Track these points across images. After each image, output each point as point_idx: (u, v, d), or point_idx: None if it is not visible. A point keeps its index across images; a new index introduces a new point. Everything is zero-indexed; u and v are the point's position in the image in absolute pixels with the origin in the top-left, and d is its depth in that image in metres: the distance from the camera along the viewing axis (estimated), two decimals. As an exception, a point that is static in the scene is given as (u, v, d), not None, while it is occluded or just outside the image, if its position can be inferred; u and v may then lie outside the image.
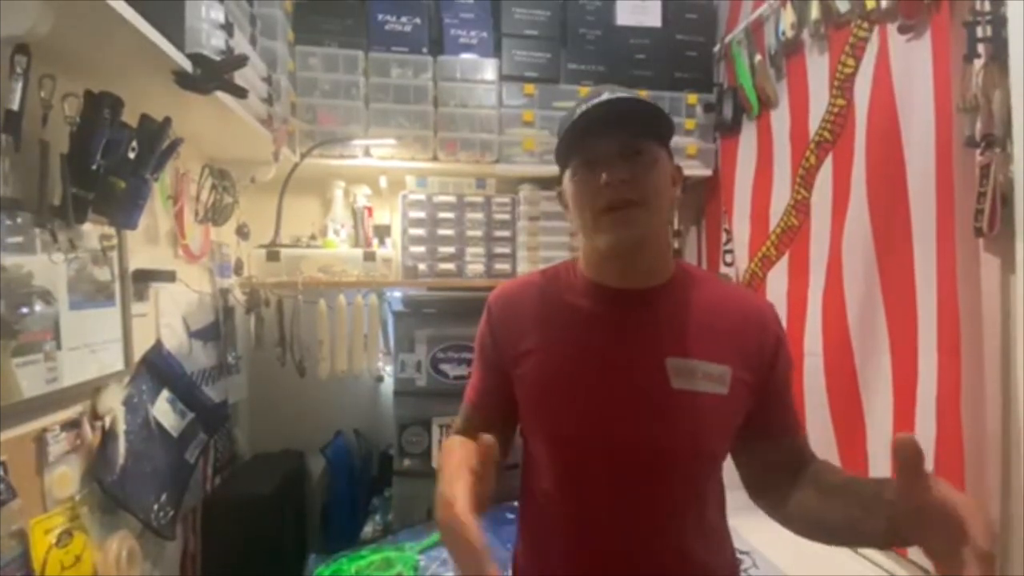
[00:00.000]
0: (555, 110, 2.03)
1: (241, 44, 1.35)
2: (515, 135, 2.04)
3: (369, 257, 2.00)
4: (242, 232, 1.98)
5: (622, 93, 0.78)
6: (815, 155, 1.62)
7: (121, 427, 1.20)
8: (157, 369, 1.40)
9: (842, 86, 1.51)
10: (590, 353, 0.81)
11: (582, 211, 0.80)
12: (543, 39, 2.07)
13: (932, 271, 1.23)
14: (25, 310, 0.94)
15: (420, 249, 2.02)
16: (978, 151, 1.10)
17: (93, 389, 1.14)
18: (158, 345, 1.42)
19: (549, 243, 2.06)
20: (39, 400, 0.97)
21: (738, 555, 0.93)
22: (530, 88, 2.04)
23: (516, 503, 0.93)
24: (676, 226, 2.30)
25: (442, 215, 2.03)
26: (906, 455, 0.57)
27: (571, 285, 0.86)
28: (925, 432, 1.23)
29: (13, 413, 0.92)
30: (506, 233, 2.06)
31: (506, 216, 2.06)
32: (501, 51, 2.05)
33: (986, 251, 1.11)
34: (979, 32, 1.10)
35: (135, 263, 1.29)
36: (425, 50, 2.01)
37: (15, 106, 0.87)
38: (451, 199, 2.04)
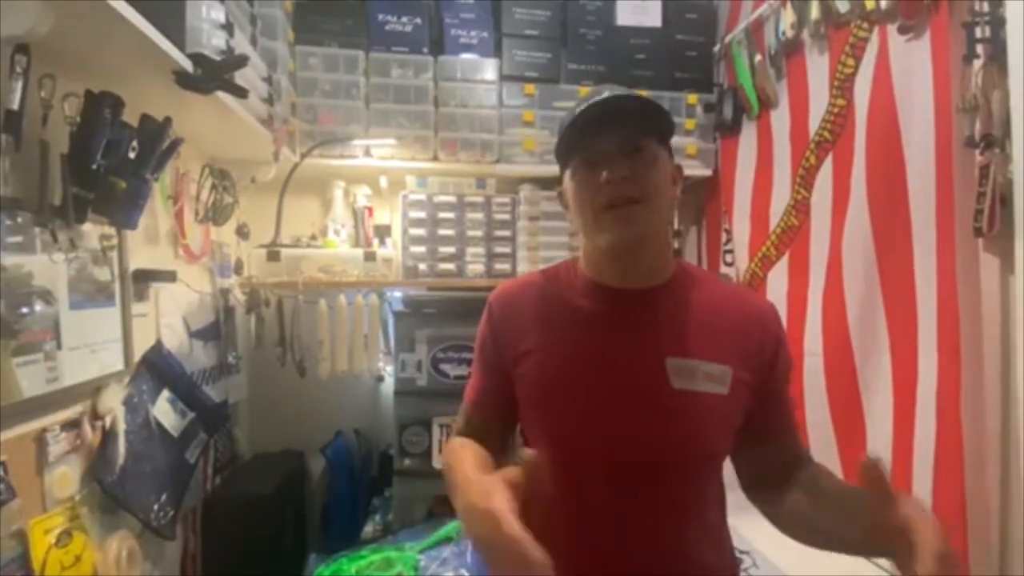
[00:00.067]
0: (555, 110, 2.03)
1: (241, 44, 1.35)
2: (515, 135, 2.04)
3: (369, 257, 2.00)
4: (242, 232, 1.98)
5: (622, 92, 0.78)
6: (815, 155, 1.62)
7: (121, 427, 1.20)
8: (157, 369, 1.40)
9: (842, 86, 1.51)
10: (590, 353, 0.81)
11: (583, 209, 0.80)
12: (543, 39, 2.07)
13: (932, 271, 1.23)
14: (25, 310, 0.94)
15: (420, 249, 2.02)
16: (978, 151, 1.10)
17: (93, 389, 1.14)
18: (158, 345, 1.42)
19: (549, 243, 2.06)
20: (39, 400, 0.97)
21: (738, 555, 0.93)
22: (530, 88, 2.05)
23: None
24: (676, 226, 2.30)
25: (442, 215, 2.03)
26: (871, 476, 0.62)
27: (571, 285, 0.86)
28: (925, 432, 1.23)
29: (13, 413, 0.92)
30: (506, 233, 2.06)
31: (506, 216, 2.06)
32: (501, 51, 2.05)
33: (986, 251, 1.11)
34: (978, 33, 1.10)
35: (135, 263, 1.29)
36: (425, 50, 2.01)
37: (15, 106, 0.87)
38: (451, 199, 2.04)
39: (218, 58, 1.17)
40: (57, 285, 1.02)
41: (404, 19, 2.00)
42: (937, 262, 1.22)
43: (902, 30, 1.30)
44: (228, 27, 1.24)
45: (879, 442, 1.37)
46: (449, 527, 1.56)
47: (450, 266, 2.03)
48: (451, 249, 2.03)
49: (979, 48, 1.10)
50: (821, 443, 1.52)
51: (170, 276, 1.43)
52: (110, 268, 1.19)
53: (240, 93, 1.26)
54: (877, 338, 1.38)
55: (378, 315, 1.97)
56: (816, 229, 1.63)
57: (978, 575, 1.09)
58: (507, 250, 2.07)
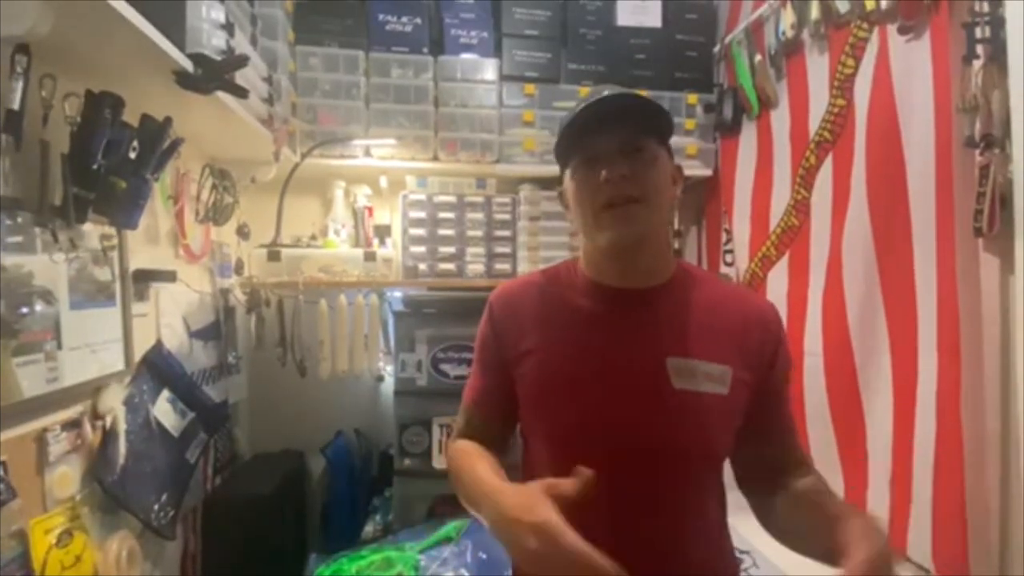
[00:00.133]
0: (555, 110, 2.03)
1: (242, 44, 1.35)
2: (515, 135, 2.04)
3: (369, 257, 2.00)
4: (243, 232, 1.98)
5: (621, 92, 0.78)
6: (815, 155, 1.63)
7: (121, 427, 1.20)
8: (157, 369, 1.40)
9: (842, 86, 1.51)
10: (590, 353, 0.81)
11: (583, 209, 0.80)
12: (543, 39, 2.07)
13: (932, 271, 1.23)
14: (25, 310, 0.94)
15: (420, 249, 2.02)
16: (977, 151, 1.10)
17: (94, 389, 1.14)
18: (158, 345, 1.42)
19: (549, 243, 2.06)
20: (39, 400, 0.97)
21: (738, 555, 0.93)
22: (530, 88, 2.05)
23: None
24: (676, 226, 2.30)
25: (442, 215, 2.03)
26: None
27: (572, 285, 0.86)
28: (925, 432, 1.23)
29: (13, 413, 0.92)
30: (506, 233, 2.07)
31: (506, 216, 2.06)
32: (501, 51, 2.05)
33: (985, 251, 1.11)
34: (978, 33, 1.10)
35: (135, 263, 1.29)
36: (425, 50, 2.01)
37: (15, 106, 0.87)
38: (451, 199, 2.04)
39: (218, 58, 1.17)
40: (57, 285, 1.02)
41: (404, 19, 2.00)
42: (937, 262, 1.22)
43: (902, 30, 1.30)
44: (228, 27, 1.24)
45: (879, 442, 1.37)
46: (449, 527, 1.55)
47: (450, 266, 2.03)
48: (451, 249, 2.03)
49: (979, 48, 1.10)
50: (821, 443, 1.52)
51: (170, 276, 1.43)
52: (110, 268, 1.19)
53: (240, 93, 1.26)
54: (877, 338, 1.38)
55: (378, 315, 1.97)
56: (816, 229, 1.63)
57: (978, 575, 1.09)
58: (507, 250, 2.07)
